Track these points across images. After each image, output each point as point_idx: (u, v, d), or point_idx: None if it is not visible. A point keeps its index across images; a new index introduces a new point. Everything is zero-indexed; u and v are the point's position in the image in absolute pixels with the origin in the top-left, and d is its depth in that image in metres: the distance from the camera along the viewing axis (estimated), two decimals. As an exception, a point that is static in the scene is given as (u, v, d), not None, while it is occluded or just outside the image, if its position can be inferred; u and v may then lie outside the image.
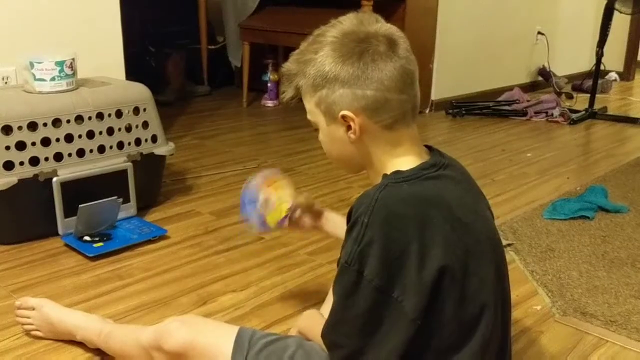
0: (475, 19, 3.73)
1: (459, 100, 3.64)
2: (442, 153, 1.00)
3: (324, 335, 0.91)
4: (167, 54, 3.64)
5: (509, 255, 1.70)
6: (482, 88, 3.89)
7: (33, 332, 1.28)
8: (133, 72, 2.33)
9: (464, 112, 3.52)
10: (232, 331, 1.00)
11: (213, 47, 3.98)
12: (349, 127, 0.92)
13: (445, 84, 3.64)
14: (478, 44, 3.80)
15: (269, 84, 3.70)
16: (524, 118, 3.48)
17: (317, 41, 0.92)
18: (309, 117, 0.97)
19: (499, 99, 3.75)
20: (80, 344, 1.24)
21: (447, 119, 3.48)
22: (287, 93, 0.97)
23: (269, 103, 3.69)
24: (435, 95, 3.61)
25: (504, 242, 1.77)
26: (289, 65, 0.96)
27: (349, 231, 0.88)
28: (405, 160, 0.93)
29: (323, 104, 0.92)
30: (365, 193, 0.89)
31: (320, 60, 0.90)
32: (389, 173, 0.92)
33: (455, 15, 3.57)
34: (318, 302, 1.44)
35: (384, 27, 0.92)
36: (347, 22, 0.93)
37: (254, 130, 3.23)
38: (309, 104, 0.95)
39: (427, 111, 3.62)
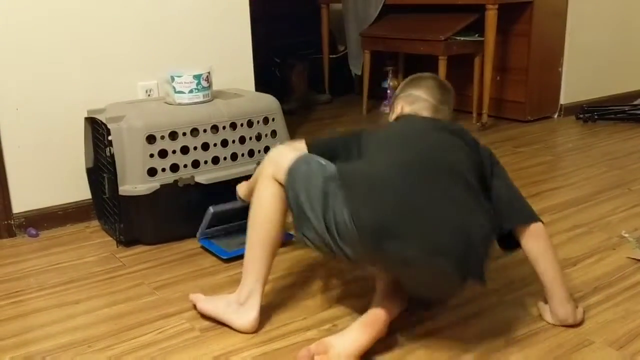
0: (608, 20, 3.53)
1: (591, 104, 3.45)
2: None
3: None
4: (291, 65, 3.77)
5: (650, 270, 1.60)
6: (616, 91, 3.67)
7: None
8: (259, 82, 2.44)
9: (596, 116, 3.34)
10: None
11: (334, 56, 4.07)
12: None
13: (576, 87, 3.47)
14: (611, 46, 3.58)
15: (388, 91, 3.71)
16: (664, 123, 3.24)
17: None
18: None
19: (635, 102, 3.51)
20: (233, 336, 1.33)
21: (577, 124, 3.32)
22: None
23: (388, 109, 3.70)
24: (564, 99, 3.45)
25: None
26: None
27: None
28: None
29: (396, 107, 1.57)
30: None
31: (400, 88, 1.59)
32: None
33: (586, 17, 3.40)
34: (442, 312, 1.43)
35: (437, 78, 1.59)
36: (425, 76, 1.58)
37: (375, 137, 3.25)
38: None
39: (555, 116, 3.47)
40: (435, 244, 1.15)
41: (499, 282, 1.57)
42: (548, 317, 1.37)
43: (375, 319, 1.28)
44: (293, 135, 3.01)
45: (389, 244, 1.14)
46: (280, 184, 1.31)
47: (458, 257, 1.15)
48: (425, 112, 1.49)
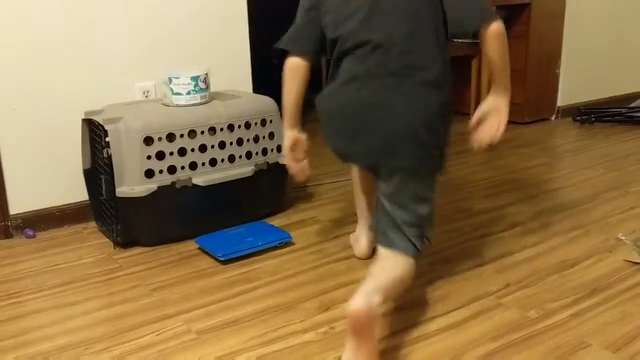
0: (605, 22, 3.54)
1: (588, 106, 3.46)
2: None
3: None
4: (289, 66, 3.76)
5: (647, 272, 1.60)
6: (613, 93, 3.67)
7: None
8: (257, 83, 2.44)
9: (593, 118, 3.34)
10: None
11: (332, 57, 4.06)
12: None
13: (573, 89, 3.48)
14: (608, 48, 3.59)
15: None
16: (661, 125, 3.25)
17: None
18: None
19: (632, 104, 3.52)
20: (236, 334, 1.33)
21: (574, 126, 3.32)
22: None
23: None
24: (561, 101, 3.46)
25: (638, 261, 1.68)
26: None
27: None
28: None
29: None
30: None
31: None
32: None
33: (583, 18, 3.40)
34: (441, 315, 1.44)
35: None
36: None
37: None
38: None
39: (553, 118, 3.47)
40: (386, 148, 1.36)
41: (497, 284, 1.57)
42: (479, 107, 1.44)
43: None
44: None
45: (353, 158, 1.53)
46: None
47: (409, 153, 1.35)
48: None
